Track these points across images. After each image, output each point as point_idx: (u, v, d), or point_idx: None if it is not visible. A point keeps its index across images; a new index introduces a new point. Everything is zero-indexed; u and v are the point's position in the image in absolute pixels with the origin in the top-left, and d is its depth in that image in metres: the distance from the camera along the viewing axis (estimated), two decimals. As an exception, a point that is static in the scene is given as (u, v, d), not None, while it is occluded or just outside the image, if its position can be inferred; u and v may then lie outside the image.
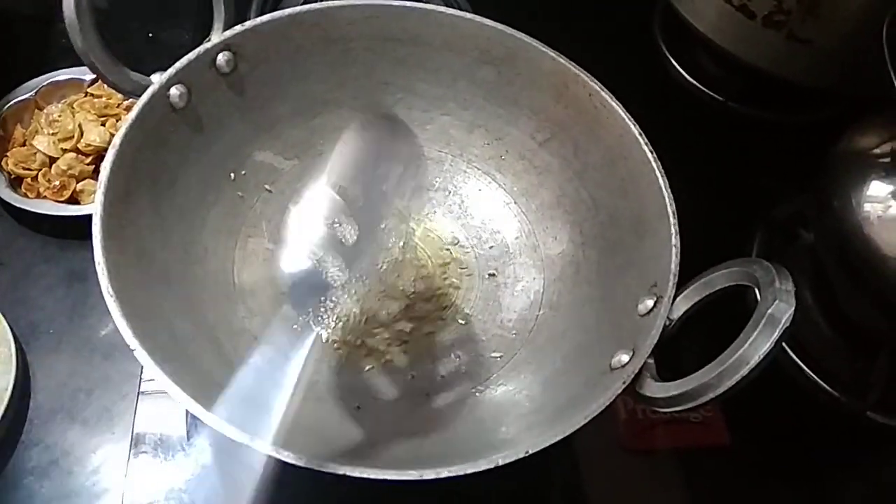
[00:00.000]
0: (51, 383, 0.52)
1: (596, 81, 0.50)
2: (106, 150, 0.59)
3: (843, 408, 0.55)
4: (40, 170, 0.60)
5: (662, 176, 0.46)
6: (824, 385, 0.55)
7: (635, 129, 0.48)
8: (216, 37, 0.49)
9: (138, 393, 0.52)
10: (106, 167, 0.43)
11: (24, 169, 0.59)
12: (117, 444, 0.50)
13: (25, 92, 0.63)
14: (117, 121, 0.62)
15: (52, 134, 0.61)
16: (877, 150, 0.50)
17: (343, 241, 0.44)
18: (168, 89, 0.46)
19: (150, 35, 0.71)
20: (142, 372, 0.53)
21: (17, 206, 0.57)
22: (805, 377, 0.56)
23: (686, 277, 0.44)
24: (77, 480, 0.48)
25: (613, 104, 0.49)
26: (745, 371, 0.36)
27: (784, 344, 0.55)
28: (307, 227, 0.46)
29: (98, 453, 0.50)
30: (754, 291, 0.39)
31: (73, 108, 0.63)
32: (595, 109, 0.50)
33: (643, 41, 0.78)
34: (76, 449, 0.50)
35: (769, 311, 0.36)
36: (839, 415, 0.55)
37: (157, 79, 0.46)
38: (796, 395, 0.56)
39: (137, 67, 0.46)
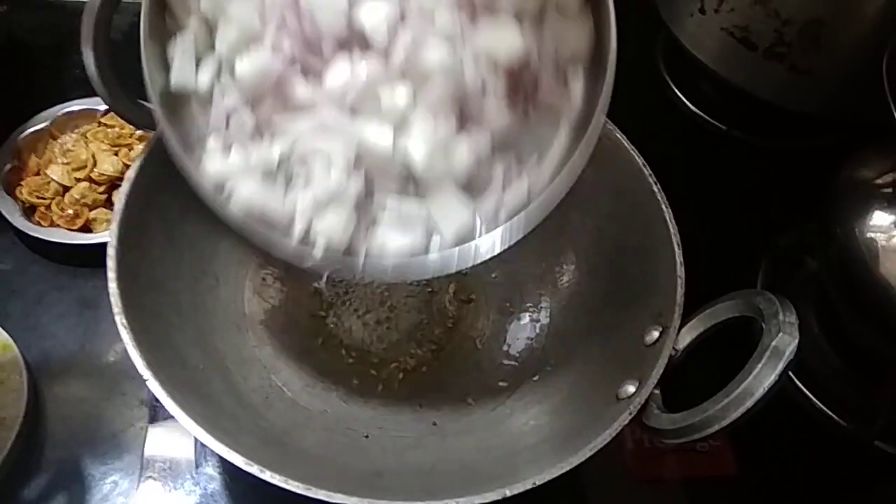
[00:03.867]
0: (61, 410, 0.52)
1: (600, 113, 0.51)
2: (119, 179, 0.61)
3: (851, 437, 0.55)
4: (54, 198, 0.60)
5: (667, 206, 0.47)
6: (831, 414, 0.55)
7: (639, 160, 0.49)
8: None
9: (147, 419, 0.52)
10: (121, 199, 0.43)
11: (37, 198, 0.60)
12: (126, 470, 0.50)
13: (40, 122, 0.64)
14: (130, 150, 0.63)
15: (66, 163, 0.62)
16: (879, 181, 0.51)
17: None
18: None
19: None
20: (151, 398, 0.53)
21: (31, 234, 0.58)
22: (812, 406, 0.56)
23: (691, 306, 0.44)
24: (87, 507, 0.49)
25: (617, 135, 0.50)
26: (749, 403, 0.36)
27: (790, 372, 0.55)
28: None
29: (108, 480, 0.50)
30: (759, 322, 0.40)
31: (86, 137, 0.64)
32: (599, 140, 0.51)
33: (646, 70, 0.79)
34: (86, 475, 0.50)
35: (773, 343, 0.37)
36: (847, 444, 0.55)
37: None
38: (803, 424, 0.56)
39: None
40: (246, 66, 0.39)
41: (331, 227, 0.40)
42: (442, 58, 0.38)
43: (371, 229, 0.42)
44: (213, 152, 0.41)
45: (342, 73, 0.39)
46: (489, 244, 0.42)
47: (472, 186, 0.42)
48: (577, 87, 0.41)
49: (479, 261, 0.42)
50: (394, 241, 0.41)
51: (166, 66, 0.40)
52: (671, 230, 0.46)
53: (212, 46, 0.40)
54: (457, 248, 0.41)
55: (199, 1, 0.39)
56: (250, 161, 0.41)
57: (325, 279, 0.55)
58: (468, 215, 0.41)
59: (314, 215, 0.40)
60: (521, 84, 0.41)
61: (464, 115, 0.40)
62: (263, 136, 0.41)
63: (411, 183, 0.41)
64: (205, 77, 0.40)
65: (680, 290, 0.44)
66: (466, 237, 0.42)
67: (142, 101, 0.47)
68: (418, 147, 0.39)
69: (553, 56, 0.40)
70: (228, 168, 0.41)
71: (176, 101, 0.41)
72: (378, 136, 0.39)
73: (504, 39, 0.39)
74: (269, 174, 0.41)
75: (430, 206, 0.41)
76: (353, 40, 0.39)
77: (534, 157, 0.43)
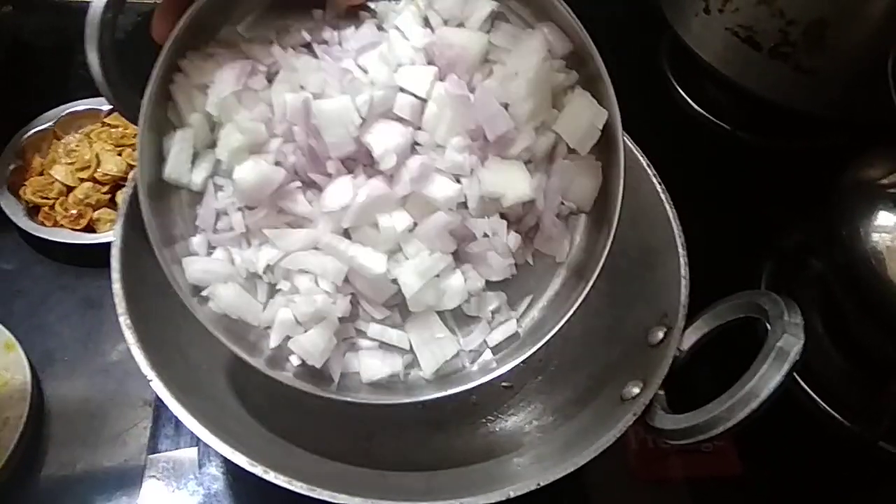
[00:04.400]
0: (65, 410, 0.53)
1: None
2: (122, 179, 0.61)
3: (855, 437, 0.55)
4: (58, 198, 0.61)
5: (671, 207, 0.47)
6: (836, 415, 0.55)
7: (644, 161, 0.49)
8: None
9: (151, 420, 0.52)
10: (125, 200, 0.43)
11: (41, 198, 0.60)
12: (130, 470, 0.50)
13: (44, 122, 0.65)
14: (134, 150, 0.63)
15: (70, 163, 0.62)
16: (883, 181, 0.51)
17: None
18: None
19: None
20: (155, 398, 0.53)
21: (35, 234, 0.58)
22: (816, 406, 0.56)
23: (696, 307, 0.44)
24: (90, 507, 0.49)
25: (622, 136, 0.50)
26: (755, 404, 0.36)
27: (794, 373, 0.55)
28: None
29: (111, 480, 0.50)
30: (763, 323, 0.39)
31: (90, 137, 0.64)
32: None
33: (650, 71, 0.79)
34: (89, 475, 0.50)
35: (778, 344, 0.37)
36: (851, 444, 0.55)
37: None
38: (808, 425, 0.56)
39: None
40: (246, 173, 0.37)
41: (308, 347, 0.38)
42: (447, 195, 0.37)
43: (349, 354, 0.40)
44: (197, 252, 0.39)
45: (343, 192, 0.37)
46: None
47: (458, 317, 0.41)
48: (578, 237, 0.42)
49: (450, 392, 0.41)
50: (370, 368, 0.40)
51: (159, 156, 0.38)
52: (676, 230, 0.46)
53: (211, 145, 0.38)
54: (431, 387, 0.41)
55: (204, 98, 0.38)
56: (234, 267, 0.39)
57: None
58: (451, 351, 0.40)
59: (292, 332, 0.39)
60: (521, 226, 0.41)
61: (460, 250, 0.40)
62: (251, 244, 0.39)
63: (397, 311, 0.40)
64: (199, 176, 0.39)
65: (685, 291, 0.44)
66: (446, 372, 0.41)
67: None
68: (410, 279, 0.38)
69: (557, 203, 0.40)
70: (210, 270, 0.39)
71: (162, 191, 0.39)
72: (371, 262, 0.37)
73: (512, 183, 0.38)
74: (251, 283, 0.39)
75: (413, 337, 0.40)
76: (359, 158, 0.38)
77: (526, 300, 0.43)
